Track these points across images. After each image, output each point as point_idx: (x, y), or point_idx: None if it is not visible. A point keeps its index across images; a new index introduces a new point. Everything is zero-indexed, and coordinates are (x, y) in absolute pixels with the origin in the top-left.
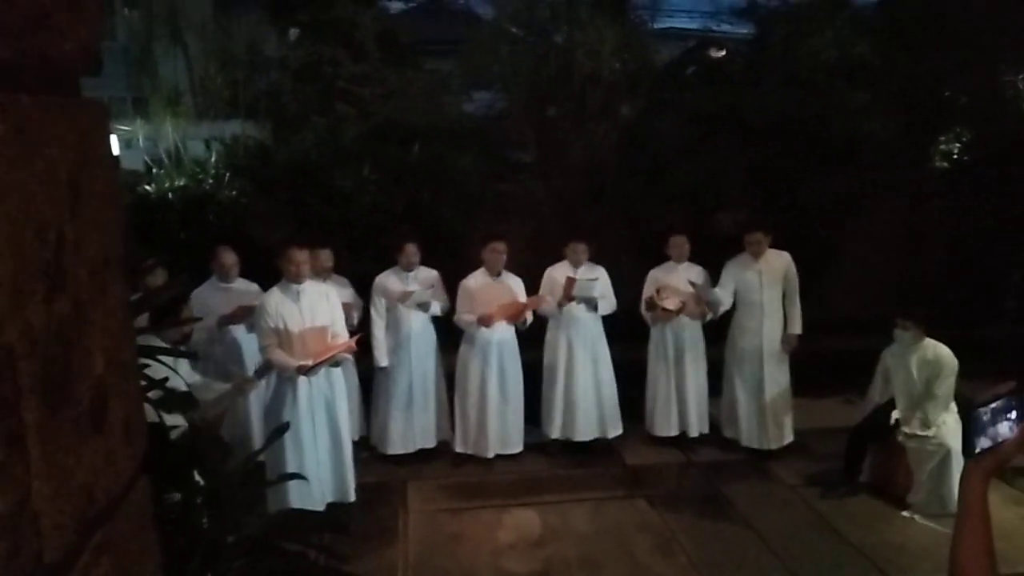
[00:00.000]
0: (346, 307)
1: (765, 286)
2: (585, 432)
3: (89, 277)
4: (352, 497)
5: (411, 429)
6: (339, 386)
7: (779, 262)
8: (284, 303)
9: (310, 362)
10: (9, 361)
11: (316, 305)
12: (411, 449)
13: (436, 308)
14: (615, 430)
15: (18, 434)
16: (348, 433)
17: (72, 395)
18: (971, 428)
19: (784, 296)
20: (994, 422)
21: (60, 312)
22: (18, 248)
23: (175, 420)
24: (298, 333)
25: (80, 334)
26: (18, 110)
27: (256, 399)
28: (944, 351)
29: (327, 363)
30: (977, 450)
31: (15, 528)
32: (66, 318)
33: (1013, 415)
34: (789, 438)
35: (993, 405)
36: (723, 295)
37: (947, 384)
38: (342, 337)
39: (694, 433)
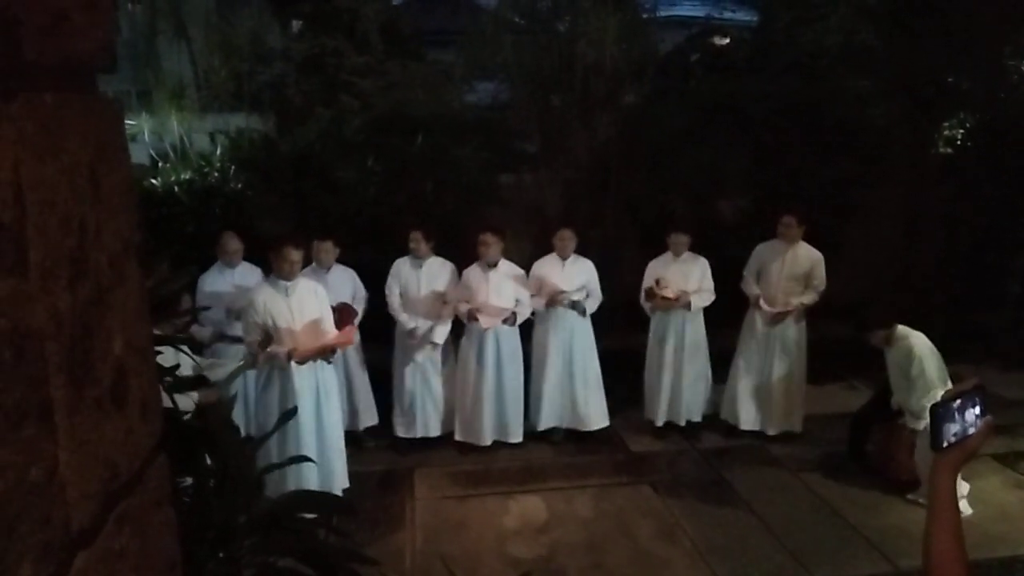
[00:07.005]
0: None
1: (784, 277)
2: (583, 422)
3: (109, 263)
4: (343, 485)
5: (421, 415)
6: (330, 378)
7: (807, 259)
8: (273, 299)
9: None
10: (38, 341)
11: (305, 301)
12: (417, 435)
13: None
14: (602, 421)
15: (47, 409)
16: (339, 424)
17: (95, 374)
18: (938, 420)
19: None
20: (962, 410)
21: (83, 296)
22: (45, 236)
23: (187, 405)
24: (287, 329)
25: (101, 317)
26: (43, 108)
27: (242, 391)
28: (911, 339)
29: (320, 354)
30: (945, 441)
31: (45, 496)
32: (88, 302)
33: (977, 410)
34: (796, 427)
35: (957, 401)
36: (749, 283)
37: (919, 369)
38: (332, 334)
39: (681, 422)
